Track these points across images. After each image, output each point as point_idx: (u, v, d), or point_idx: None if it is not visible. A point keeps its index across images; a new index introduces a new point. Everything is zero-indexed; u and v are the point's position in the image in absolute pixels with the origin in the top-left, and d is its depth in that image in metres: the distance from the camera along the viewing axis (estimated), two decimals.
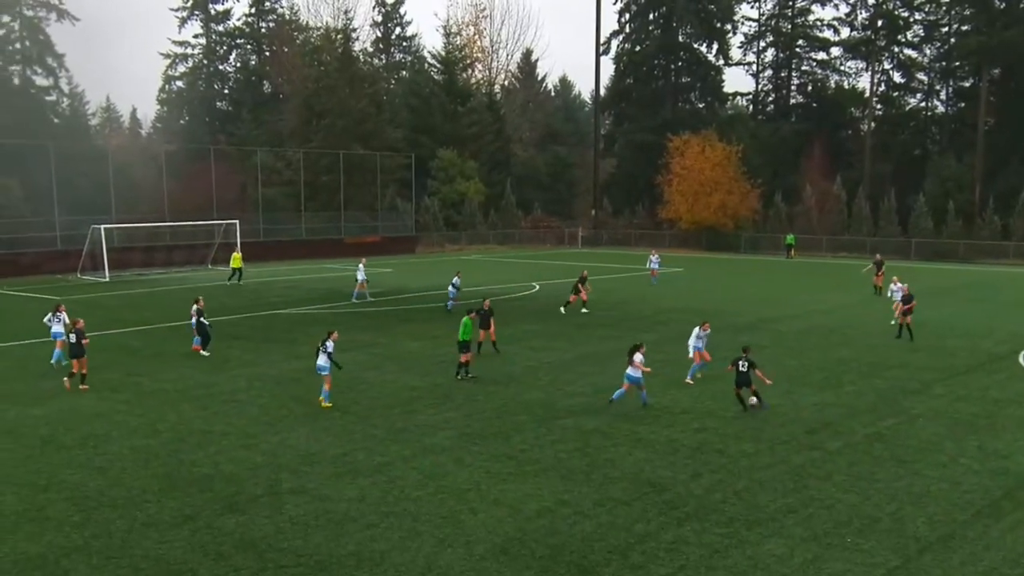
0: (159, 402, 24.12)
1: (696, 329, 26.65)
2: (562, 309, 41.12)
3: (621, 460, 18.97)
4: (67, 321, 28.42)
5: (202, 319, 30.29)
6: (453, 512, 16.05)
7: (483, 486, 17.38)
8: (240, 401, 24.16)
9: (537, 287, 52.81)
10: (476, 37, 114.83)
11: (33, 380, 26.96)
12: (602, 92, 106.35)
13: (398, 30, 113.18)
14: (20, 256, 60.45)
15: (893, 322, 36.35)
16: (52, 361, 28.69)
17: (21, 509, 16.31)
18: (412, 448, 19.83)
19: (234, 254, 56.64)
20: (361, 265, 47.87)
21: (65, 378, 25.81)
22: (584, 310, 40.98)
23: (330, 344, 23.37)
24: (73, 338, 25.79)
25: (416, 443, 20.21)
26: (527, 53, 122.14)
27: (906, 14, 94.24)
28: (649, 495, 16.93)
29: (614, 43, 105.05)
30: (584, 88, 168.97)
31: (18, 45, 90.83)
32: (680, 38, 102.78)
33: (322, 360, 23.26)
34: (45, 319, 29.30)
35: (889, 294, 39.04)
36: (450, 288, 42.23)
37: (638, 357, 22.94)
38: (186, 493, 17.01)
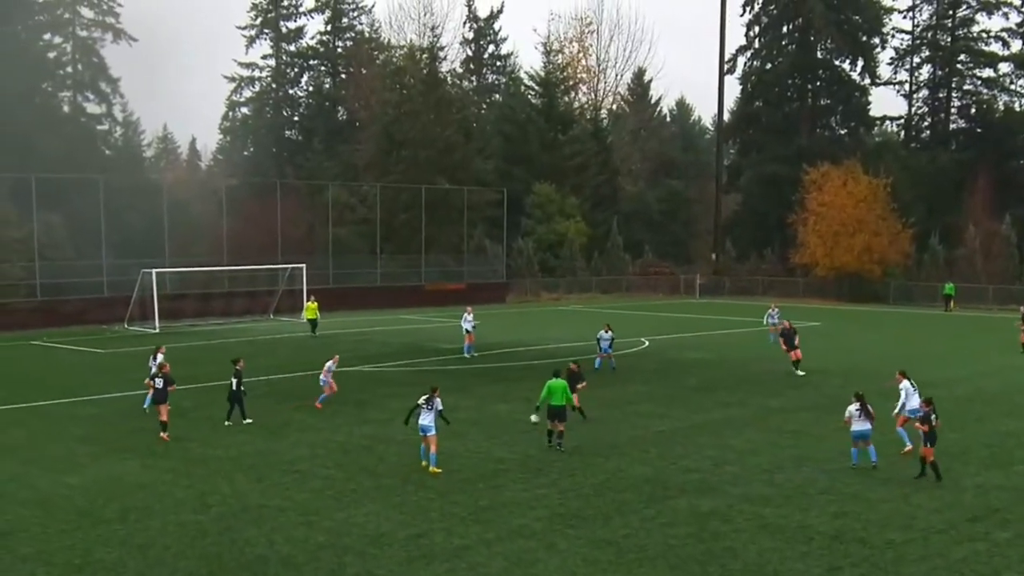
0: (209, 471, 24.44)
1: (905, 383, 26.59)
2: (799, 372, 40.66)
3: (743, 549, 18.58)
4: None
5: (240, 384, 30.45)
6: None
7: None
8: (301, 472, 24.33)
9: (647, 343, 52.50)
10: (580, 55, 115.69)
11: (71, 443, 27.58)
12: (726, 117, 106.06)
13: (491, 48, 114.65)
14: (62, 303, 61.91)
15: None
16: (145, 406, 31.62)
17: None
18: (497, 530, 19.70)
19: (308, 303, 57.48)
20: (468, 315, 48.02)
21: (163, 433, 27.90)
22: (800, 372, 40.50)
23: (438, 401, 24.24)
24: (160, 383, 28.89)
25: (502, 524, 20.08)
26: (639, 73, 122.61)
27: None
28: None
29: (740, 60, 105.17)
30: (705, 112, 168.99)
31: (69, 68, 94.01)
32: (818, 54, 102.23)
33: (427, 419, 23.96)
34: (149, 362, 33.20)
35: None
36: (603, 344, 42.05)
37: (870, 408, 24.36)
38: None
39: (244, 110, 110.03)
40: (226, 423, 30.15)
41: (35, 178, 61.98)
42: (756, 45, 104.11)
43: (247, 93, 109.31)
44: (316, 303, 57.15)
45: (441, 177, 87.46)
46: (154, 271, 60.32)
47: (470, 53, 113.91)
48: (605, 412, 31.53)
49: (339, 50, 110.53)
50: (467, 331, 47.09)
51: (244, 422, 30.14)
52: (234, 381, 30.22)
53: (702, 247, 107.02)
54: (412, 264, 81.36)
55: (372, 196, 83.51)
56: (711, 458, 25.74)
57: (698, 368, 42.75)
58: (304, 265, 67.25)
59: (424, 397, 24.28)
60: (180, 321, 62.38)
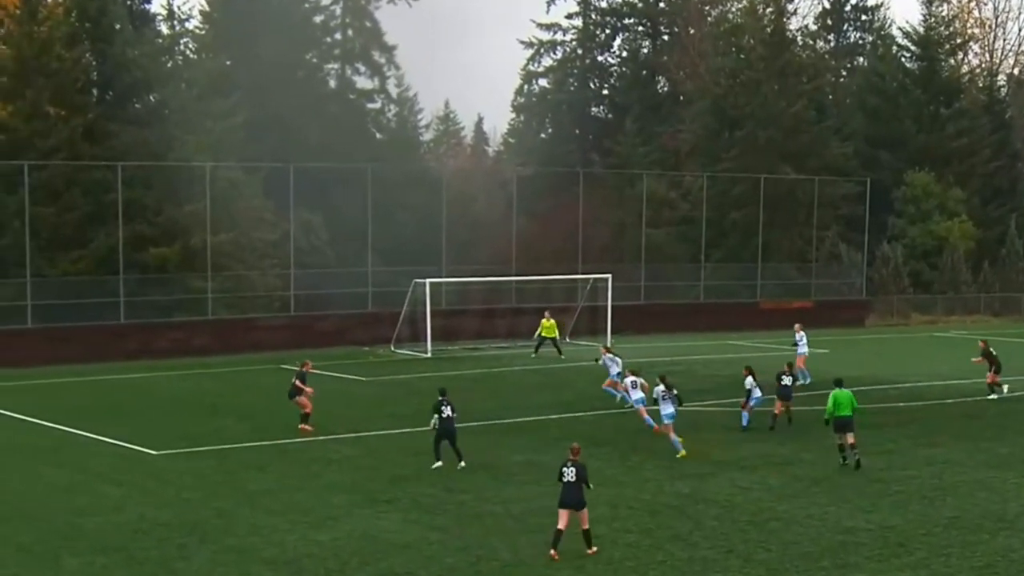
0: (485, 531, 25.00)
1: None
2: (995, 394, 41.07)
3: None
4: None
5: None
6: None
7: None
8: (599, 536, 24.45)
9: None
10: (972, 4, 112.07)
11: (322, 492, 28.78)
12: None
13: None
14: (319, 320, 63.86)
15: None
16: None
17: None
18: None
19: (546, 320, 58.64)
20: (801, 336, 48.92)
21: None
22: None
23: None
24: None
25: None
26: None
27: None
28: None
29: None
30: None
31: (338, 36, 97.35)
32: None
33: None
34: (599, 361, 43.09)
35: None
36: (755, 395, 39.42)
37: None
38: None
39: (542, 82, 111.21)
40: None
41: (293, 168, 63.90)
42: None
43: (547, 62, 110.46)
44: (553, 321, 58.86)
45: (786, 164, 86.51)
46: (428, 281, 60.85)
47: (827, 5, 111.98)
48: (992, 473, 30.55)
49: (662, 5, 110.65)
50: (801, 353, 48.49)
51: None
52: None
53: None
54: (745, 275, 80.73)
55: (697, 189, 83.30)
56: None
57: None
58: (610, 276, 66.42)
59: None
60: (455, 343, 63.05)
